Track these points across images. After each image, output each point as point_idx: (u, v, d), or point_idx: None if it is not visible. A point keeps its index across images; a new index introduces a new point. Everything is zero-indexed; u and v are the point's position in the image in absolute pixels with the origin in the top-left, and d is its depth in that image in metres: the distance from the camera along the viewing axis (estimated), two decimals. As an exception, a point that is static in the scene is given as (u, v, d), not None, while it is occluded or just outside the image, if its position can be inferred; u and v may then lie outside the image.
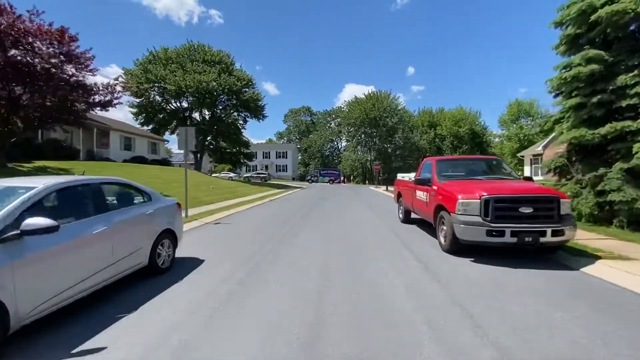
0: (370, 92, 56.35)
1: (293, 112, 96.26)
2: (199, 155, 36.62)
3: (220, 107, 36.10)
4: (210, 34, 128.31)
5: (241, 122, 38.63)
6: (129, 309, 3.38)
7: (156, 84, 31.47)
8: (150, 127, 33.89)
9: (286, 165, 64.95)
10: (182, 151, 10.32)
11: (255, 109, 36.41)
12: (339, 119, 68.98)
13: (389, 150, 56.33)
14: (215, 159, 38.86)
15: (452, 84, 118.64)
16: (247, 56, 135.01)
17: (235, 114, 36.72)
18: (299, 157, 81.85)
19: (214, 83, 31.54)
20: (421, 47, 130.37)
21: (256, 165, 64.71)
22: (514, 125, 58.61)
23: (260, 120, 37.90)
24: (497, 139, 62.67)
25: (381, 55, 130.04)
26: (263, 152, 66.16)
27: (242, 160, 38.86)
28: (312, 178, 50.06)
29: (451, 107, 60.60)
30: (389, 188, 29.22)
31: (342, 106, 63.08)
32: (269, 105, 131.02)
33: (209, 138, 36.86)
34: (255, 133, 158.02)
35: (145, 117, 32.83)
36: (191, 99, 32.98)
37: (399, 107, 57.18)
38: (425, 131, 56.97)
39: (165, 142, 35.13)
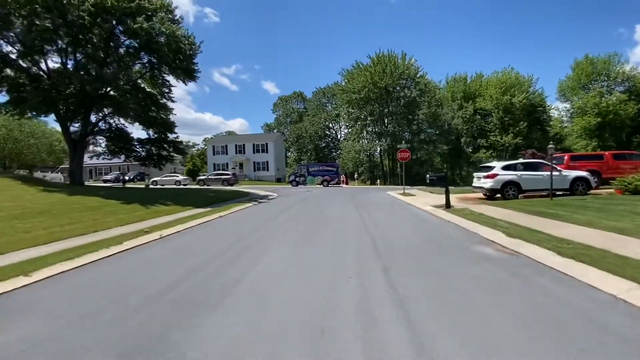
0: (378, 53, 39.11)
1: (283, 99, 79.43)
2: (76, 145, 20.00)
3: (101, 53, 19.08)
4: (207, 32, 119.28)
5: (166, 89, 21.94)
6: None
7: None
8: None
9: (267, 162, 48.17)
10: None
11: (174, 60, 19.40)
12: (336, 99, 51.88)
13: (408, 134, 39.07)
14: (110, 151, 21.87)
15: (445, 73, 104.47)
16: (245, 55, 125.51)
17: (136, 65, 19.70)
18: (290, 153, 64.96)
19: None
20: (418, 39, 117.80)
21: (227, 164, 48.21)
22: (585, 92, 41.13)
23: (187, 82, 21.08)
24: (555, 113, 45.15)
25: (378, 47, 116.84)
26: (236, 146, 49.44)
27: (162, 153, 22.10)
28: (297, 178, 33.19)
29: (496, 70, 42.96)
30: (458, 195, 12.02)
31: (340, 80, 45.61)
32: (268, 104, 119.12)
33: (97, 113, 20.31)
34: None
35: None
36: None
37: (420, 74, 39.89)
38: (461, 105, 39.60)
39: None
